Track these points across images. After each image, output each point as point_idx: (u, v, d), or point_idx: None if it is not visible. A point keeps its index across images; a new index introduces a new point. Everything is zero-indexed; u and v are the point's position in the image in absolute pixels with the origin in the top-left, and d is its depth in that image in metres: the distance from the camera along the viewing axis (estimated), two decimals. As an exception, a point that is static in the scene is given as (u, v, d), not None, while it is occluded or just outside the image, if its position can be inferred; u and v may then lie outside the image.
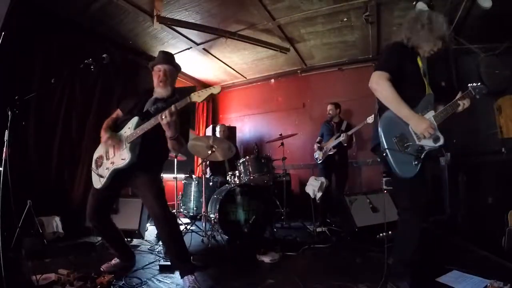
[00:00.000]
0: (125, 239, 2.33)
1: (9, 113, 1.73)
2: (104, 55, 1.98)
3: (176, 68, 2.14)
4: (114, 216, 3.05)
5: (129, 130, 1.94)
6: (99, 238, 2.94)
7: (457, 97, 1.69)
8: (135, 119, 1.94)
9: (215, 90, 1.74)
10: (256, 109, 5.93)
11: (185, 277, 1.89)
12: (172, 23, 3.63)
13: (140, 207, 3.13)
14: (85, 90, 3.67)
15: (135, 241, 3.00)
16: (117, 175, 1.96)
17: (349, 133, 3.92)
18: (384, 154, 1.60)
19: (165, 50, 4.63)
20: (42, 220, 2.77)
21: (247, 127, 6.01)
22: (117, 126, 2.07)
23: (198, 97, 1.73)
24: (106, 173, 1.96)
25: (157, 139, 1.92)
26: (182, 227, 3.43)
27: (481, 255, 2.42)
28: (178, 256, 1.96)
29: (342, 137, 3.87)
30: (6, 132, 1.70)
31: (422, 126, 1.56)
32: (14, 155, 2.00)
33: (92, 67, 1.97)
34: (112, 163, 1.95)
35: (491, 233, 2.68)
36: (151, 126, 1.84)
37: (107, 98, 3.97)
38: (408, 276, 1.68)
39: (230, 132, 5.12)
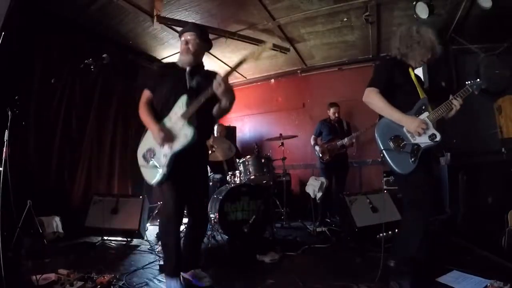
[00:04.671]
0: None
1: (9, 113, 1.74)
2: (104, 55, 1.98)
3: (207, 42, 2.01)
4: (114, 216, 3.07)
5: (180, 109, 1.81)
6: (99, 238, 2.95)
7: (450, 98, 1.80)
8: (184, 97, 1.82)
9: (267, 45, 1.71)
10: (256, 109, 5.92)
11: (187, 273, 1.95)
12: (172, 23, 3.63)
13: (140, 207, 3.13)
14: (85, 90, 3.67)
15: (135, 241, 3.00)
16: (176, 162, 1.79)
17: (354, 136, 3.95)
18: (381, 155, 1.77)
19: (165, 49, 4.60)
20: (42, 220, 2.77)
21: (247, 127, 6.00)
22: (156, 112, 1.92)
23: (252, 55, 1.71)
24: (165, 161, 1.79)
25: (206, 115, 1.88)
26: (182, 227, 3.43)
27: (481, 255, 2.42)
28: (194, 257, 2.03)
29: (346, 142, 3.90)
30: (6, 132, 1.70)
31: (413, 124, 1.72)
32: (14, 155, 2.00)
33: (92, 67, 1.97)
34: (170, 147, 1.80)
35: (491, 233, 2.68)
36: (206, 97, 1.75)
37: (107, 98, 3.97)
38: (410, 274, 1.70)
39: (228, 131, 5.11)
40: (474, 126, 3.67)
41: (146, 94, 1.96)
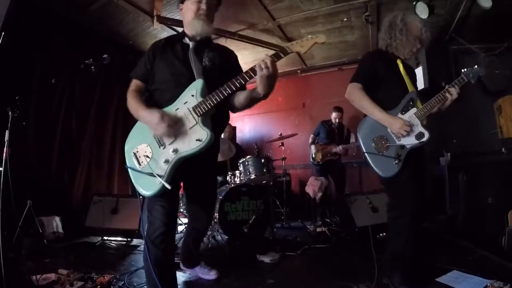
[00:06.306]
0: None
1: (9, 113, 1.74)
2: (104, 55, 1.97)
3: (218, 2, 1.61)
4: (114, 216, 3.07)
5: (193, 98, 1.35)
6: (99, 238, 2.95)
7: (446, 87, 1.70)
8: (199, 83, 1.37)
9: (319, 39, 1.33)
10: (256, 109, 5.81)
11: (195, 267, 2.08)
12: (172, 23, 3.63)
13: (140, 207, 3.12)
14: (85, 90, 3.67)
15: (135, 241, 2.99)
16: (180, 170, 1.36)
17: (347, 147, 3.95)
18: (364, 157, 1.69)
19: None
20: (42, 220, 2.77)
21: (247, 127, 6.01)
22: (153, 101, 1.47)
23: (300, 47, 1.33)
24: (166, 168, 1.31)
25: (222, 109, 1.48)
26: (182, 227, 3.44)
27: (481, 255, 2.42)
28: (194, 255, 2.10)
29: (340, 150, 3.90)
30: (6, 132, 1.71)
31: (396, 125, 1.60)
32: (14, 155, 2.00)
33: (92, 67, 1.96)
34: (175, 150, 1.33)
35: (491, 233, 2.68)
36: (240, 85, 1.34)
37: (107, 98, 3.97)
38: (401, 270, 1.70)
39: (234, 132, 5.13)
40: (474, 126, 3.67)
41: (135, 83, 1.52)
